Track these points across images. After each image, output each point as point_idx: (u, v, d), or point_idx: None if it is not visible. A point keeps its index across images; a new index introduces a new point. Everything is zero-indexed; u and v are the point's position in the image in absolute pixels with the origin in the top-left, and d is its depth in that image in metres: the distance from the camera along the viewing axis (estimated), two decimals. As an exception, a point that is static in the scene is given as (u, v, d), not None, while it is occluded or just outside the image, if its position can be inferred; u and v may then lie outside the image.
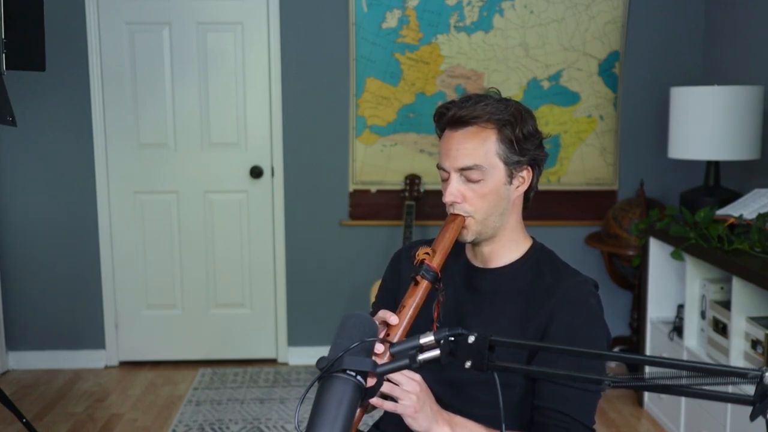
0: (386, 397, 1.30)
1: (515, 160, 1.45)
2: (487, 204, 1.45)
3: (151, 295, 4.02)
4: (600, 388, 1.40)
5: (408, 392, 1.26)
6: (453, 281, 1.53)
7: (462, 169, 1.44)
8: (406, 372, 1.27)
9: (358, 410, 1.27)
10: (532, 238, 1.57)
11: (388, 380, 1.26)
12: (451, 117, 1.45)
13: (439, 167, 1.48)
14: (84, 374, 3.91)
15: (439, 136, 1.51)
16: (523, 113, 1.46)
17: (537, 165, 1.50)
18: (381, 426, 1.62)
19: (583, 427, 1.40)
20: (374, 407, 1.31)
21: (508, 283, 1.51)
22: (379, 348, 1.25)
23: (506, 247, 1.52)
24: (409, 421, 1.28)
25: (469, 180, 1.44)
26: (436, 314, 1.44)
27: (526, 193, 1.51)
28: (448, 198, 1.45)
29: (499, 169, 1.44)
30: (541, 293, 1.47)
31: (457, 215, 1.45)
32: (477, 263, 1.55)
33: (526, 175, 1.48)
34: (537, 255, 1.53)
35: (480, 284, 1.53)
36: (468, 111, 1.43)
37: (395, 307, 1.51)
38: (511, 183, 1.47)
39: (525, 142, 1.45)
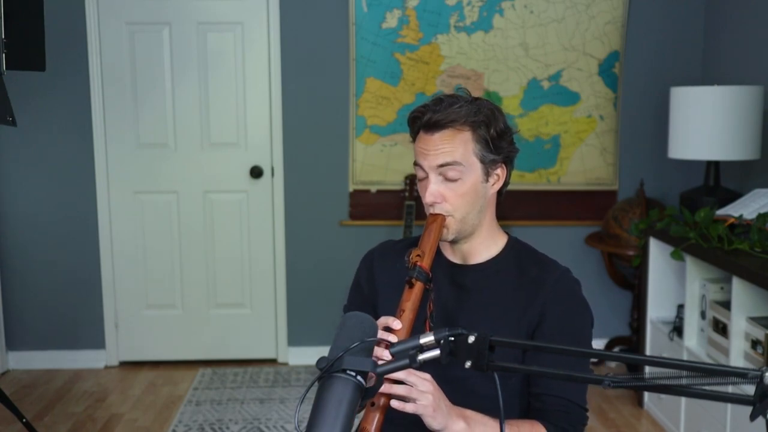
0: (385, 400, 1.30)
1: (491, 159, 1.49)
2: (465, 203, 1.48)
3: (151, 295, 4.02)
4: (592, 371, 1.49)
5: (424, 392, 1.28)
6: (436, 280, 1.54)
7: (441, 166, 1.46)
8: (416, 372, 1.27)
9: (378, 416, 1.27)
10: (507, 233, 1.61)
11: (402, 383, 1.26)
12: (427, 121, 1.47)
13: (416, 164, 1.51)
14: (84, 374, 3.91)
15: (413, 138, 1.53)
16: (495, 112, 1.50)
17: (510, 161, 1.54)
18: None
19: (581, 409, 1.48)
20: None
21: (492, 277, 1.54)
22: (386, 355, 1.25)
23: (485, 244, 1.56)
24: (429, 421, 1.30)
25: (447, 179, 1.47)
26: (429, 311, 1.47)
27: (500, 190, 1.55)
28: (428, 198, 1.48)
29: (476, 168, 1.48)
30: (529, 286, 1.51)
31: (438, 215, 1.48)
32: (456, 260, 1.58)
33: (500, 173, 1.52)
34: (516, 248, 1.58)
35: (464, 281, 1.55)
36: (443, 115, 1.45)
37: (369, 310, 1.56)
38: (487, 181, 1.51)
39: (499, 141, 1.49)
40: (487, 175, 1.50)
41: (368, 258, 1.69)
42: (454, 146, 1.45)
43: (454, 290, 1.55)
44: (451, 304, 1.54)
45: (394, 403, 1.27)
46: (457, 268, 1.57)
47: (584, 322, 1.51)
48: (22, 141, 3.85)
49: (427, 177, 1.48)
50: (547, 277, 1.51)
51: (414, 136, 1.53)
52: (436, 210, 1.48)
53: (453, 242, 1.54)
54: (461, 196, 1.47)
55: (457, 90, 1.56)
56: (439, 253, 1.57)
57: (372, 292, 1.63)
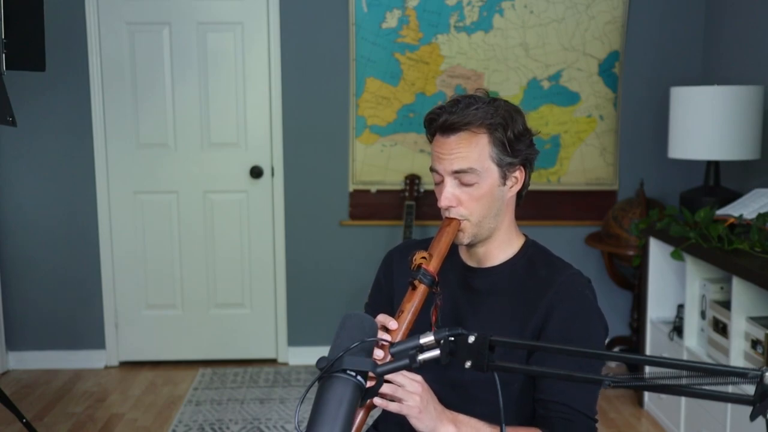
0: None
1: (508, 162, 1.45)
2: (481, 207, 1.45)
3: (151, 295, 4.02)
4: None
5: (411, 393, 1.27)
6: (448, 282, 1.53)
7: (456, 172, 1.44)
8: (407, 373, 1.27)
9: (362, 414, 1.28)
10: (525, 235, 1.58)
11: (390, 382, 1.26)
12: (442, 123, 1.44)
13: (432, 170, 1.49)
14: (84, 374, 3.91)
15: (430, 140, 1.51)
16: (513, 114, 1.46)
17: (529, 164, 1.50)
18: (380, 427, 1.62)
19: (586, 418, 1.42)
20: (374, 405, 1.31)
21: (504, 281, 1.52)
22: (378, 354, 1.25)
23: (500, 247, 1.53)
24: (414, 422, 1.29)
25: (463, 183, 1.44)
26: (434, 318, 1.44)
27: (519, 192, 1.52)
28: (443, 202, 1.45)
29: (493, 172, 1.45)
30: (537, 287, 1.48)
31: (453, 219, 1.46)
32: (472, 263, 1.56)
33: (519, 176, 1.49)
34: (530, 251, 1.55)
35: (476, 284, 1.53)
36: (459, 117, 1.42)
37: (388, 308, 1.53)
38: (504, 184, 1.47)
39: (516, 143, 1.45)
40: (504, 178, 1.46)
41: (389, 256, 1.68)
42: (470, 151, 1.42)
43: (464, 293, 1.53)
44: (461, 306, 1.52)
45: (377, 401, 1.26)
46: (470, 271, 1.55)
47: (591, 328, 1.45)
48: (22, 141, 3.85)
49: (443, 181, 1.46)
50: (555, 279, 1.47)
51: (430, 138, 1.49)
52: (452, 214, 1.46)
53: (469, 246, 1.52)
54: (477, 200, 1.45)
55: (457, 90, 1.55)
56: (454, 255, 1.56)
57: (390, 290, 1.62)
